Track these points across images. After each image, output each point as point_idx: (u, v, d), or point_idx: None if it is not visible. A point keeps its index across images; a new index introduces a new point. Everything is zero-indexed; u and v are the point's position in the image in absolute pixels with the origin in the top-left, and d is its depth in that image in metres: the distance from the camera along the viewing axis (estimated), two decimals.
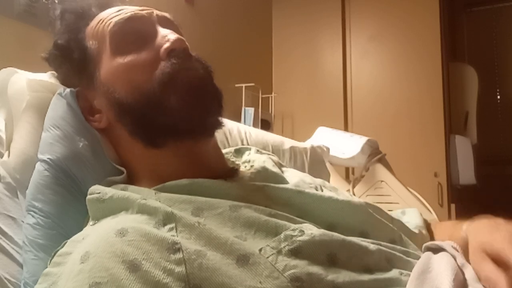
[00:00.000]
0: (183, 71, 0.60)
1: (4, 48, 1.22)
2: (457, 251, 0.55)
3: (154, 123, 0.60)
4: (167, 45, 0.61)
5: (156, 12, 0.67)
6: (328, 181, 1.16)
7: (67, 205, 0.61)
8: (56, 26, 0.71)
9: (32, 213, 0.60)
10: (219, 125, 0.63)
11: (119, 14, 0.65)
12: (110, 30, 0.64)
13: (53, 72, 0.76)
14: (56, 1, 1.30)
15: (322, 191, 0.70)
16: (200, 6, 2.22)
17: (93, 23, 0.67)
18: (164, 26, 0.65)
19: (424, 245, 0.59)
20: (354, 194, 1.53)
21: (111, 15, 0.65)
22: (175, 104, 0.58)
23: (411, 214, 0.79)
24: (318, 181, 0.75)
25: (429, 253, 0.56)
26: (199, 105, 0.60)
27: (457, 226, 0.63)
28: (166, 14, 0.68)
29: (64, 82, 0.72)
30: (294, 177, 0.71)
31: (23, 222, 0.62)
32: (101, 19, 0.66)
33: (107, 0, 0.70)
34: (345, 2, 2.72)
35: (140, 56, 0.61)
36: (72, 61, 0.68)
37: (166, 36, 0.63)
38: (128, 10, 0.66)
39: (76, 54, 0.66)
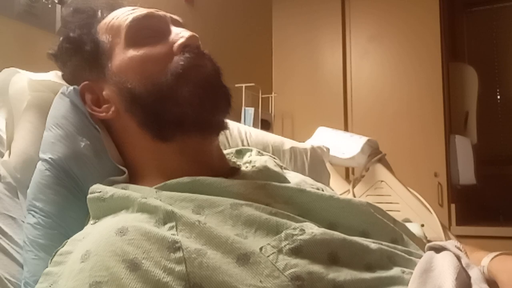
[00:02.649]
0: (195, 67, 0.62)
1: (4, 48, 1.22)
2: (461, 250, 0.54)
3: (165, 115, 0.61)
4: (181, 40, 0.63)
5: (168, 14, 0.70)
6: (328, 181, 1.17)
7: (68, 205, 0.61)
8: (67, 24, 0.72)
9: (32, 212, 0.60)
10: (225, 125, 0.65)
11: (135, 12, 0.67)
12: (126, 24, 0.65)
13: (57, 71, 0.75)
14: (56, 1, 1.30)
15: None
16: (200, 6, 2.22)
17: (107, 19, 0.68)
18: (176, 27, 0.68)
19: (427, 245, 0.59)
20: (354, 194, 1.53)
21: (126, 12, 0.67)
22: (187, 95, 0.60)
23: (412, 226, 0.78)
24: (319, 185, 0.76)
25: (431, 252, 0.56)
26: (210, 99, 0.61)
27: (471, 256, 0.59)
28: (177, 17, 0.71)
29: (72, 76, 0.72)
30: (295, 178, 0.71)
31: (24, 222, 0.62)
32: (115, 16, 0.68)
33: (117, 2, 0.72)
34: (345, 2, 2.72)
35: (154, 49, 0.63)
36: (84, 54, 0.68)
37: (180, 33, 0.65)
38: (143, 9, 0.68)
39: (88, 46, 0.67)
